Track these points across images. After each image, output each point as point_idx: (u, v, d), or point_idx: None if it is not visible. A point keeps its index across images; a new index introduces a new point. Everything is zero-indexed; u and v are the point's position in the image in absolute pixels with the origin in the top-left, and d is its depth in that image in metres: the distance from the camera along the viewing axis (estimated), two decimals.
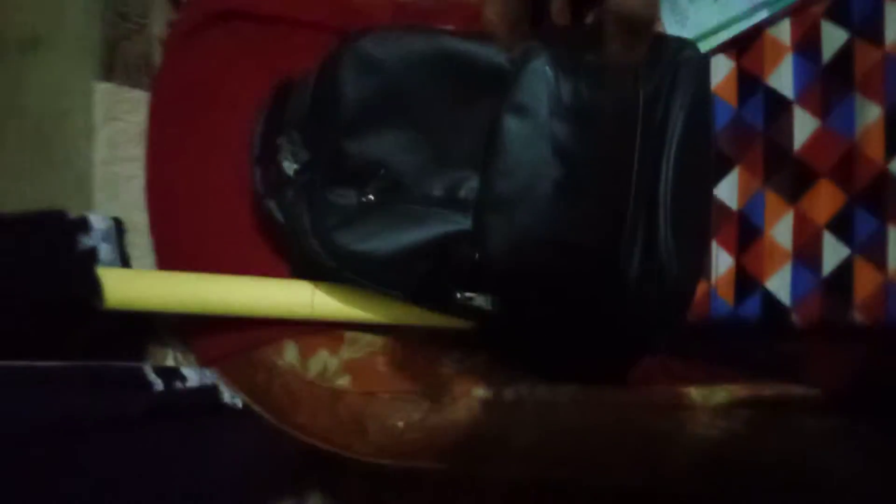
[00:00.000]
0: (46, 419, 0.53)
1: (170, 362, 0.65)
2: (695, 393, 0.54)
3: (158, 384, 0.59)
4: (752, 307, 0.57)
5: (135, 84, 0.67)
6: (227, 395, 0.62)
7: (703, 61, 0.58)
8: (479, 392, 0.58)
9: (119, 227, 0.65)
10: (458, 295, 0.56)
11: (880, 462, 0.49)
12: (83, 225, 0.63)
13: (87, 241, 0.62)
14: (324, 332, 0.62)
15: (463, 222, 0.56)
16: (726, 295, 0.58)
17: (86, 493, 0.54)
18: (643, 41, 0.30)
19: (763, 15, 0.58)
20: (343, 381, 0.60)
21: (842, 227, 0.55)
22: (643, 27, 0.30)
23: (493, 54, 0.54)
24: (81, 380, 0.57)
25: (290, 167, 0.59)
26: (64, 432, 0.53)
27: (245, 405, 0.62)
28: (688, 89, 0.55)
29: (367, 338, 0.62)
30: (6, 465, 0.52)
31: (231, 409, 0.61)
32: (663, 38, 0.58)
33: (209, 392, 0.61)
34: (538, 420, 0.57)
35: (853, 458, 0.50)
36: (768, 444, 0.51)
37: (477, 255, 0.55)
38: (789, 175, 0.57)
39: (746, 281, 0.58)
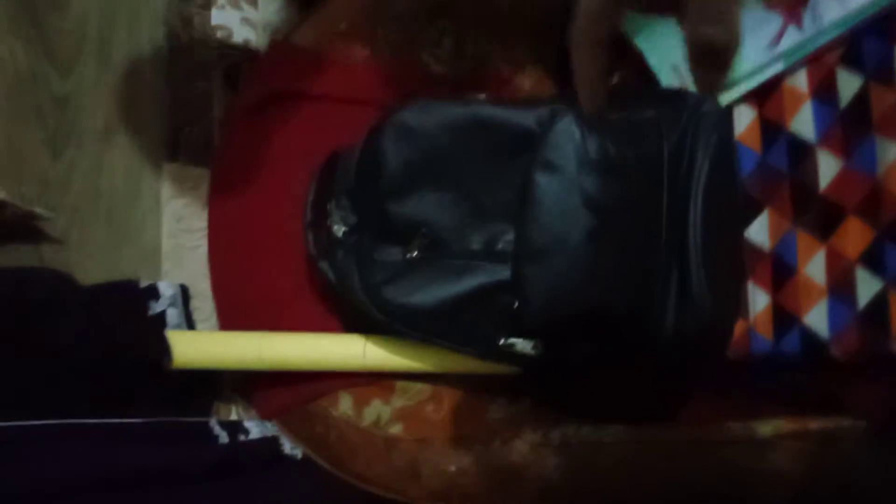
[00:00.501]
0: (124, 470, 0.57)
1: (233, 417, 0.68)
2: (739, 428, 0.55)
3: (224, 437, 0.63)
4: (792, 343, 0.58)
5: (198, 163, 0.73)
6: (288, 446, 0.65)
7: (724, 112, 0.61)
8: (527, 435, 0.60)
9: (185, 294, 0.70)
10: (502, 342, 0.59)
11: None
12: (153, 292, 0.68)
13: (156, 307, 0.68)
14: (376, 382, 0.65)
15: (502, 273, 0.59)
16: (765, 332, 0.59)
17: None
18: (726, 67, 0.32)
19: (780, 67, 0.61)
20: (396, 429, 0.63)
21: (873, 260, 0.56)
22: (725, 54, 0.32)
23: (523, 117, 0.58)
24: (155, 434, 0.62)
25: (339, 230, 0.63)
26: (140, 482, 0.57)
27: (305, 455, 0.65)
28: (710, 139, 0.59)
29: (418, 386, 0.65)
30: None
31: (292, 460, 0.64)
32: (684, 93, 0.62)
33: (271, 443, 0.64)
34: (585, 461, 0.58)
35: None
36: (815, 473, 0.52)
37: (517, 304, 0.58)
38: (818, 214, 0.59)
39: (784, 317, 0.59)
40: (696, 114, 0.58)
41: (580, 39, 0.33)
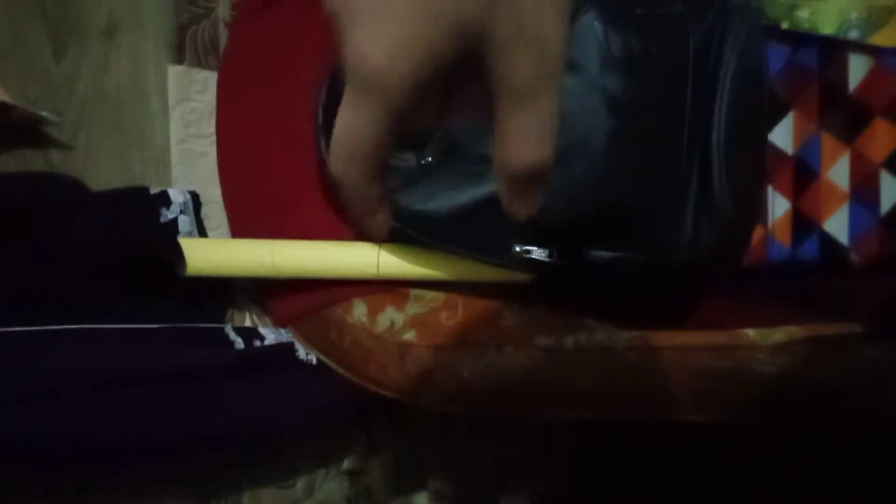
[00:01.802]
0: (143, 373, 0.58)
1: (248, 323, 0.69)
2: (752, 333, 0.55)
3: (239, 343, 0.64)
4: (810, 249, 0.58)
5: (204, 65, 0.71)
6: (303, 352, 0.66)
7: (754, 6, 0.58)
8: (540, 341, 0.60)
9: (196, 200, 0.69)
10: (517, 248, 0.59)
11: None
12: (164, 199, 0.67)
13: (168, 214, 0.67)
14: (390, 290, 0.65)
15: None
16: (783, 238, 0.59)
17: (176, 438, 0.59)
18: (542, 189, 0.29)
19: None
20: (410, 336, 0.63)
21: None
22: (542, 176, 0.29)
23: None
24: (171, 340, 0.62)
25: None
26: (158, 384, 0.58)
27: (319, 360, 0.66)
28: (739, 34, 0.56)
29: (431, 294, 0.65)
30: (104, 413, 0.58)
31: (306, 365, 0.65)
32: None
33: (286, 349, 0.65)
34: (598, 365, 0.59)
35: None
36: (827, 378, 0.52)
37: None
38: (845, 116, 0.57)
39: (803, 224, 0.58)
40: (725, 8, 0.55)
41: (349, 175, 0.28)
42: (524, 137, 0.27)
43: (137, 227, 0.64)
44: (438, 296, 0.65)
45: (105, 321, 0.61)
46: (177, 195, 0.68)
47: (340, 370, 0.66)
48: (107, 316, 0.61)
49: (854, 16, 0.56)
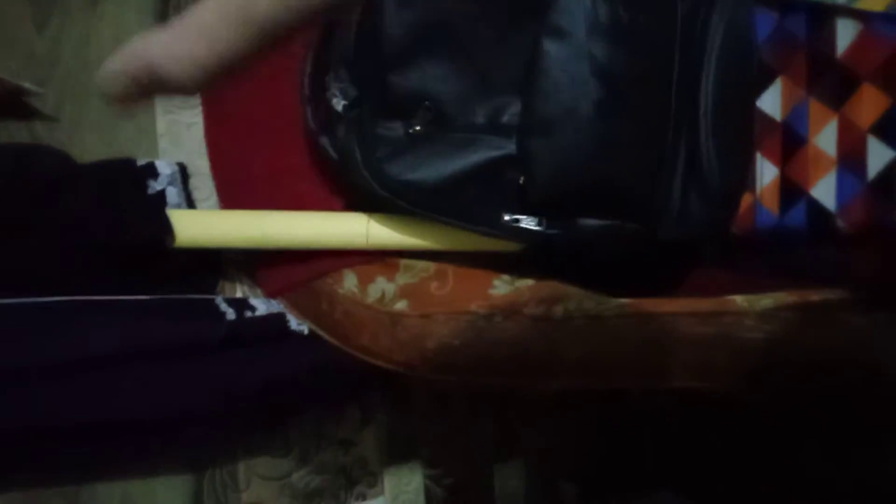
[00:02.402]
0: (131, 346, 0.59)
1: (239, 295, 0.69)
2: (740, 300, 0.56)
3: (231, 313, 0.64)
4: (798, 216, 0.58)
5: None
6: (294, 323, 0.66)
7: None
8: (530, 310, 0.61)
9: (184, 172, 0.69)
10: (506, 217, 0.59)
11: None
12: (151, 171, 0.67)
13: (155, 186, 0.67)
14: (380, 260, 0.65)
15: (508, 146, 0.58)
16: (771, 205, 0.59)
17: (169, 410, 0.60)
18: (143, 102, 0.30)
19: None
20: (401, 305, 0.64)
21: (886, 129, 0.55)
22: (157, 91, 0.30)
23: None
24: (162, 311, 0.62)
25: (338, 103, 0.61)
26: (147, 357, 0.59)
27: (311, 331, 0.66)
28: (727, 2, 0.56)
29: (422, 264, 0.65)
30: (100, 388, 0.58)
31: (298, 335, 0.66)
32: None
33: (277, 319, 0.65)
34: (587, 334, 0.59)
35: None
36: (813, 342, 0.53)
37: (522, 179, 0.57)
38: (833, 82, 0.57)
39: (791, 190, 0.58)
40: None
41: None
42: (196, 39, 0.29)
43: (124, 199, 0.64)
44: (429, 266, 0.65)
45: (95, 293, 0.61)
46: (164, 167, 0.68)
47: (332, 340, 0.66)
48: (97, 288, 0.61)
49: None
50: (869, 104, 0.55)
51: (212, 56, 0.31)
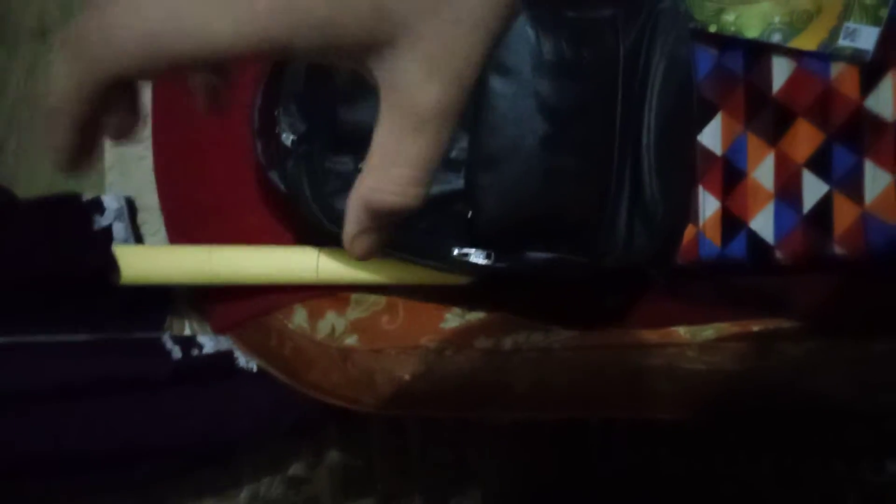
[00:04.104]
0: (76, 386, 0.57)
1: (187, 331, 0.68)
2: (683, 331, 0.57)
3: (177, 352, 0.63)
4: (739, 247, 0.59)
5: None
6: (243, 360, 0.65)
7: (682, 10, 0.60)
8: (480, 342, 0.61)
9: (131, 206, 0.68)
10: (456, 252, 0.59)
11: (861, 368, 0.52)
12: (97, 206, 0.66)
13: (101, 221, 0.66)
14: (330, 294, 0.65)
15: (456, 181, 0.58)
16: (713, 237, 0.60)
17: (114, 450, 0.58)
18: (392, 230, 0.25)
19: None
20: (351, 340, 0.63)
21: (820, 164, 0.56)
22: (398, 216, 0.24)
23: None
24: (107, 352, 0.61)
25: (288, 138, 0.61)
26: (89, 397, 0.57)
27: (260, 368, 0.65)
28: (668, 39, 0.57)
29: (372, 298, 0.65)
30: (38, 426, 0.56)
31: (247, 373, 0.65)
32: None
33: (225, 357, 0.64)
34: (535, 365, 0.59)
35: (835, 371, 0.53)
36: (752, 373, 0.54)
37: (470, 213, 0.58)
38: (769, 117, 0.59)
39: (732, 222, 0.60)
40: (655, 12, 0.56)
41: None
42: (401, 171, 0.24)
43: (68, 235, 0.63)
44: (380, 300, 0.65)
45: (38, 331, 0.60)
46: (111, 201, 0.67)
47: (282, 377, 0.65)
48: (39, 326, 0.60)
49: (777, 19, 0.57)
50: (804, 139, 0.57)
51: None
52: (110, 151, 0.69)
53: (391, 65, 0.23)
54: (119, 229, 0.66)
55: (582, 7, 0.57)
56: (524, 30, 0.55)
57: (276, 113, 0.62)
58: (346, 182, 0.60)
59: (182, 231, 0.68)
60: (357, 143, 0.60)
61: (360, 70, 0.24)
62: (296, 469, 0.72)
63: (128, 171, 0.69)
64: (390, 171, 0.24)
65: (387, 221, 0.25)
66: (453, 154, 0.58)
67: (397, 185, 0.24)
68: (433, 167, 0.24)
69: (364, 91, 0.58)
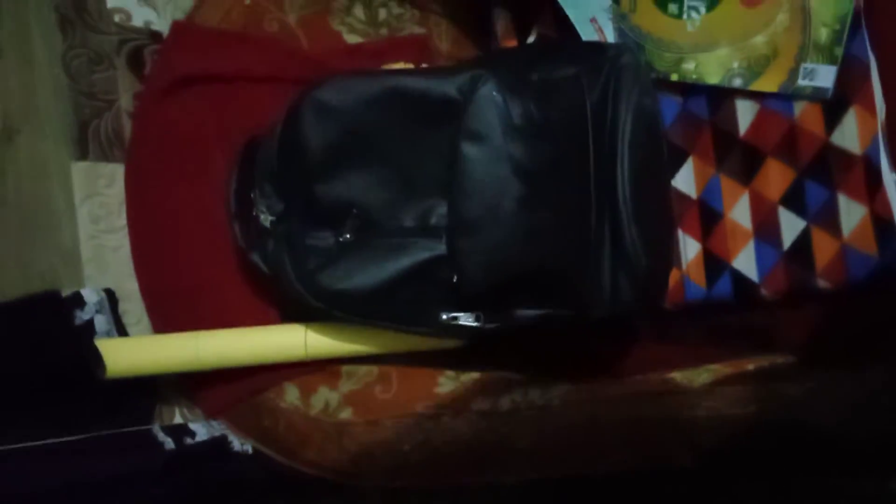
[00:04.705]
0: (67, 486, 0.55)
1: (178, 419, 0.67)
2: (679, 377, 0.57)
3: (169, 443, 0.61)
4: (724, 287, 0.59)
5: (109, 158, 0.69)
6: (237, 443, 0.64)
7: (643, 63, 0.61)
8: (477, 405, 0.60)
9: (112, 298, 0.67)
10: (444, 317, 0.59)
11: (858, 398, 0.52)
12: (77, 300, 0.65)
13: (82, 315, 0.64)
14: (321, 369, 0.64)
15: (438, 248, 0.58)
16: (698, 279, 0.61)
17: None
18: None
19: None
20: (346, 414, 0.63)
21: (795, 200, 0.57)
22: None
23: (444, 86, 0.57)
24: (97, 450, 0.59)
25: (266, 219, 0.61)
26: (85, 492, 0.55)
27: (255, 449, 0.64)
28: (632, 91, 0.58)
29: (364, 369, 0.64)
30: None
31: (242, 456, 0.63)
32: (602, 46, 0.61)
33: (219, 443, 0.63)
34: (534, 423, 0.59)
35: (836, 406, 0.53)
36: (751, 414, 0.54)
37: (454, 277, 0.57)
38: (739, 158, 0.60)
39: (715, 263, 0.60)
40: (616, 67, 0.57)
41: None
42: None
43: (49, 333, 0.62)
44: (372, 370, 0.65)
45: (23, 439, 0.58)
46: (91, 295, 0.66)
47: (278, 457, 0.64)
48: (24, 428, 0.58)
49: (736, 65, 0.59)
50: (775, 177, 0.58)
51: None
52: (86, 244, 0.68)
53: None
54: (101, 322, 0.65)
55: (545, 68, 0.58)
56: (491, 95, 0.55)
57: (251, 195, 0.62)
58: (328, 257, 0.59)
59: (165, 317, 0.67)
60: (336, 217, 0.60)
61: None
62: None
63: (104, 263, 0.68)
64: None
65: None
66: (433, 221, 0.59)
67: None
68: None
69: (336, 166, 0.59)
